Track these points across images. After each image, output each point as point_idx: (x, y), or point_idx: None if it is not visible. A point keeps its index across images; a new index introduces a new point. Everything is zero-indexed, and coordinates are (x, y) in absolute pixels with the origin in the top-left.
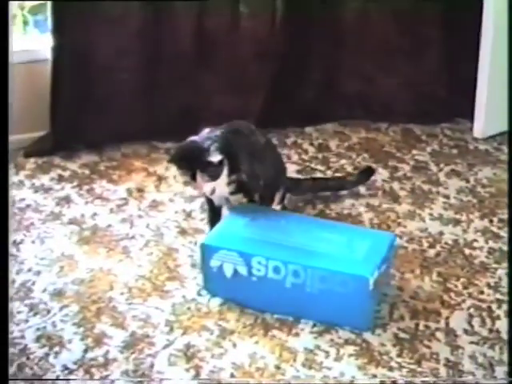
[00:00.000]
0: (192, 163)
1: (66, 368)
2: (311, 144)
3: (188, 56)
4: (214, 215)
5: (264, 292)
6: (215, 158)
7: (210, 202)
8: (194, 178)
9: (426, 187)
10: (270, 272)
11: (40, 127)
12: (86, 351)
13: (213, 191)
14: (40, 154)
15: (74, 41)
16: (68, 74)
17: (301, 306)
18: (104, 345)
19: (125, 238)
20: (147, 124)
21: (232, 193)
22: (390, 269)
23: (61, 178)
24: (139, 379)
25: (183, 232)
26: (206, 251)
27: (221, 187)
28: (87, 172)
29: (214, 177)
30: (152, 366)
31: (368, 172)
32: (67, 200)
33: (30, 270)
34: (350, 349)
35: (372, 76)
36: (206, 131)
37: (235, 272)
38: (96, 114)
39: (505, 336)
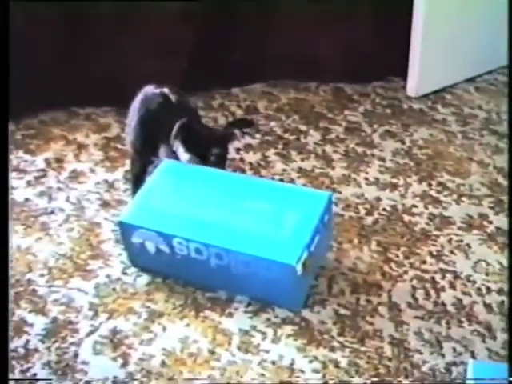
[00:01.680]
0: None
1: None
2: (239, 106)
3: (109, 17)
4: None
5: (190, 269)
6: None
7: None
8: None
9: (360, 150)
10: (192, 252)
11: None
12: None
13: None
14: None
15: None
16: None
17: (229, 285)
18: (24, 334)
19: (43, 213)
20: (66, 89)
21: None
22: (328, 236)
23: None
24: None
25: (106, 204)
26: (125, 229)
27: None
28: None
29: None
30: (76, 355)
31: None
32: None
33: None
34: (288, 328)
35: (300, 34)
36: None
37: (158, 249)
38: (11, 80)
39: (451, 309)
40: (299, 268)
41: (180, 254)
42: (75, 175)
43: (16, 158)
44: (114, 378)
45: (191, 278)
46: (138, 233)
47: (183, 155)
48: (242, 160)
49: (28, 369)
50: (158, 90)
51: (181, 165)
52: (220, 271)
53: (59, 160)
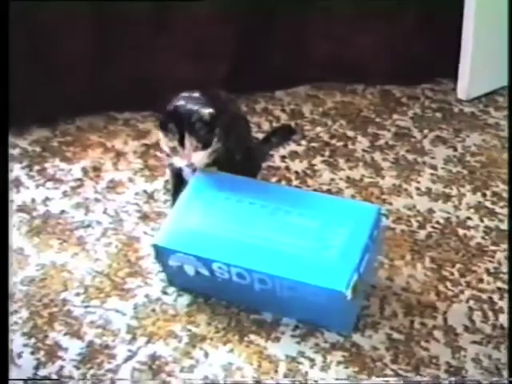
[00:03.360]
0: (181, 124)
1: None
2: (283, 110)
3: (147, 19)
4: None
5: (232, 292)
6: (206, 113)
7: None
8: (182, 143)
9: (410, 157)
10: (234, 277)
11: None
12: (37, 367)
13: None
14: None
15: (20, 5)
16: (16, 43)
17: (275, 308)
18: (58, 359)
19: (80, 226)
20: (103, 94)
21: (208, 165)
22: (377, 252)
23: (9, 158)
24: None
25: (145, 217)
26: (160, 252)
27: (201, 157)
28: (38, 149)
29: (206, 145)
30: (113, 383)
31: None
32: (16, 183)
33: None
34: (338, 355)
35: (345, 36)
36: (182, 95)
37: (197, 272)
38: (47, 84)
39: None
40: (349, 293)
41: (221, 277)
42: (113, 185)
43: (52, 166)
44: None
45: (234, 300)
46: (174, 257)
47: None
48: (287, 168)
49: None
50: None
51: (216, 176)
52: (265, 295)
53: (97, 169)
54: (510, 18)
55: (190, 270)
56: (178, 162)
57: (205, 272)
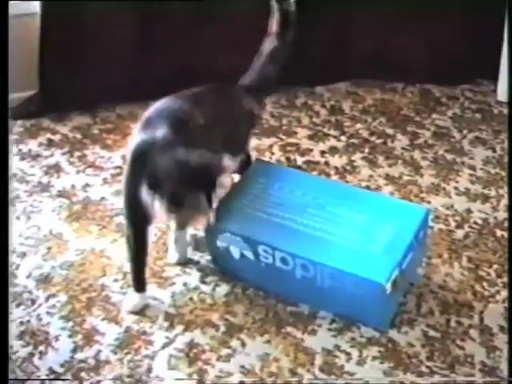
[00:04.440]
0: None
1: (52, 371)
2: (323, 106)
3: (189, 9)
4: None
5: (274, 278)
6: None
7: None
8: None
9: (449, 157)
10: (277, 261)
11: (28, 87)
12: (74, 351)
13: None
14: (28, 115)
15: None
16: (58, 29)
17: (314, 298)
18: (95, 343)
19: (119, 213)
20: (144, 83)
21: None
22: (422, 253)
23: (50, 143)
24: None
25: None
26: (210, 232)
27: None
28: (79, 136)
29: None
30: (150, 369)
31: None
32: (56, 168)
33: (13, 252)
34: (374, 350)
35: (386, 33)
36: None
37: (242, 255)
38: (89, 72)
39: None
40: (388, 287)
41: (265, 261)
42: None
43: (92, 153)
44: None
45: (275, 287)
46: (222, 236)
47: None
48: (326, 164)
49: (98, 382)
50: None
51: (273, 167)
52: (305, 283)
53: None
54: (510, 18)
55: (235, 252)
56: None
57: (250, 255)
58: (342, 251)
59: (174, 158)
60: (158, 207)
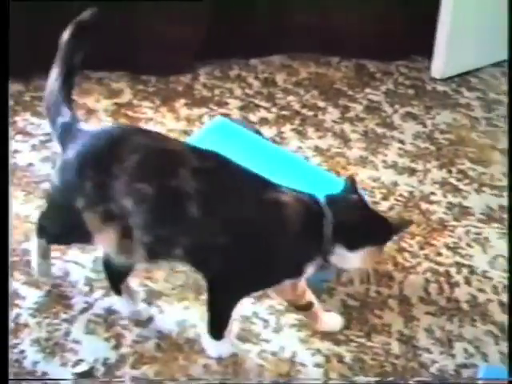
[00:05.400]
0: None
1: None
2: (256, 78)
3: None
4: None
5: None
6: None
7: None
8: None
9: (379, 130)
10: None
11: None
12: None
13: None
14: None
15: None
16: None
17: None
18: (15, 307)
19: (46, 179)
20: None
21: None
22: None
23: None
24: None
25: None
26: None
27: None
28: (10, 103)
29: None
30: (67, 333)
31: None
32: None
33: None
34: (292, 317)
35: (322, 7)
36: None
37: None
38: (23, 37)
39: (465, 306)
40: None
41: None
42: None
43: (23, 120)
44: (105, 359)
45: None
46: None
47: None
48: None
49: (16, 345)
50: None
51: (232, 125)
52: None
53: None
54: (510, 16)
55: None
56: None
57: None
58: None
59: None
60: None
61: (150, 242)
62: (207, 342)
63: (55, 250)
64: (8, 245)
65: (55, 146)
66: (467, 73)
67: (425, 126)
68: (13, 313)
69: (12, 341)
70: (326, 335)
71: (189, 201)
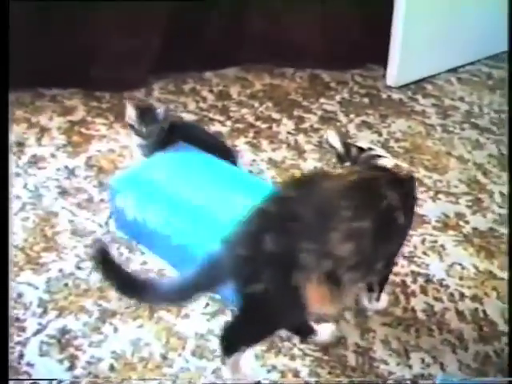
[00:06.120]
0: None
1: None
2: (210, 91)
3: None
4: None
5: (159, 243)
6: None
7: None
8: None
9: None
10: (160, 225)
11: None
12: None
13: None
14: None
15: None
16: None
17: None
18: None
19: None
20: (33, 69)
21: None
22: None
23: None
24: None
25: (64, 192)
26: (112, 190)
27: None
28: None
29: None
30: (21, 355)
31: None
32: None
33: None
34: None
35: (277, 18)
36: None
37: (134, 217)
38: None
39: (421, 316)
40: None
41: (151, 227)
42: (35, 160)
43: None
44: (59, 382)
45: (158, 253)
46: (120, 197)
47: None
48: None
49: None
50: None
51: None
52: (179, 250)
53: (20, 144)
54: (510, 17)
55: (129, 215)
56: None
57: (139, 218)
58: (217, 226)
59: None
60: None
61: (356, 278)
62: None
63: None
64: (8, 245)
65: None
66: (422, 80)
67: (380, 134)
68: None
69: None
70: (281, 350)
71: (397, 212)
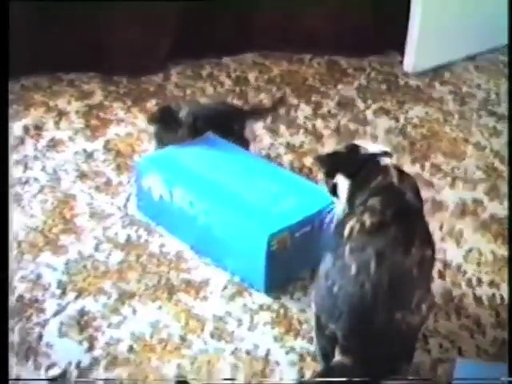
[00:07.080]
0: None
1: None
2: (228, 76)
3: None
4: None
5: (182, 223)
6: None
7: None
8: None
9: (352, 126)
10: (186, 205)
11: None
12: None
13: None
14: None
15: None
16: None
17: (213, 249)
18: None
19: (17, 183)
20: (51, 54)
21: None
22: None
23: None
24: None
25: (82, 176)
26: (139, 170)
27: None
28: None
29: None
30: (40, 336)
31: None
32: None
33: None
34: (266, 316)
35: (295, 4)
36: None
37: (161, 196)
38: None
39: (439, 301)
40: (275, 243)
41: (178, 205)
42: (53, 144)
43: None
44: (78, 363)
45: (183, 234)
46: (147, 175)
47: None
48: None
49: None
50: None
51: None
52: (206, 230)
53: (38, 127)
54: (510, 16)
55: (156, 193)
56: None
57: (166, 197)
58: (243, 207)
59: None
60: None
61: None
62: None
63: (27, 254)
64: (8, 244)
65: (26, 150)
66: (440, 67)
67: (397, 120)
68: None
69: None
70: (300, 333)
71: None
